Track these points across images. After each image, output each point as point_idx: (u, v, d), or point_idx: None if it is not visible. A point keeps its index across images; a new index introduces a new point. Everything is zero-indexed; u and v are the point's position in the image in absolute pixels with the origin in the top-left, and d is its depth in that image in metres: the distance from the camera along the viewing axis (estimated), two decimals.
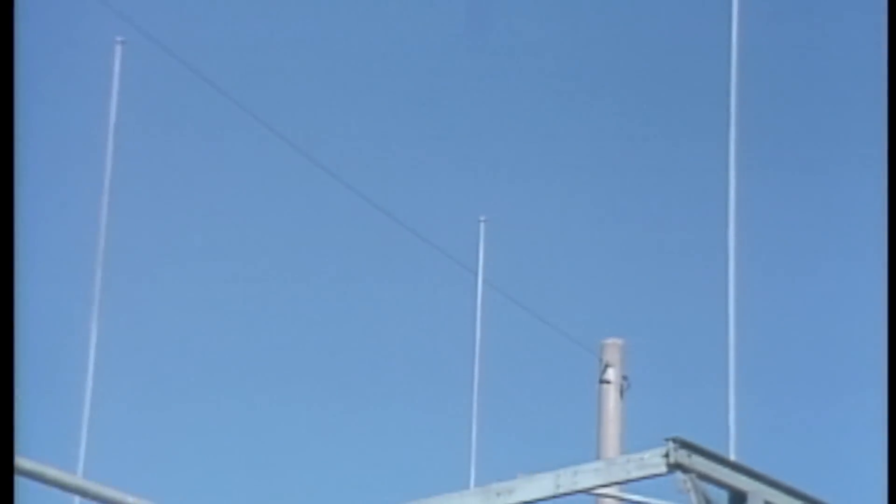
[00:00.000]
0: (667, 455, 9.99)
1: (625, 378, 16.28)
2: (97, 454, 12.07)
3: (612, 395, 16.28)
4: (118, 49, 12.54)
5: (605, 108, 29.01)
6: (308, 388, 23.38)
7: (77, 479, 10.78)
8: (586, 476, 10.66)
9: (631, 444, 15.25)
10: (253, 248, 23.07)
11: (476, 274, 14.13)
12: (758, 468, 10.53)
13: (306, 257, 23.68)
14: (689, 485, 10.04)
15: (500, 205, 25.47)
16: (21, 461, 10.05)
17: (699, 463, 10.06)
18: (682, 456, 9.97)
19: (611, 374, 16.31)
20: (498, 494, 10.85)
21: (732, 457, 10.77)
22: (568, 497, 10.78)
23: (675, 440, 9.97)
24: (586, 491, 10.73)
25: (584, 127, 28.70)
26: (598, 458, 14.71)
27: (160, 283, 20.37)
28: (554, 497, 10.64)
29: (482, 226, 14.39)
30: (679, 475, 10.02)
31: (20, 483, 10.68)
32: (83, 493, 10.71)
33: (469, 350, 14.02)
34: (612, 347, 16.38)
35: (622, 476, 10.63)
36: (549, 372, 18.25)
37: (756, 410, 13.32)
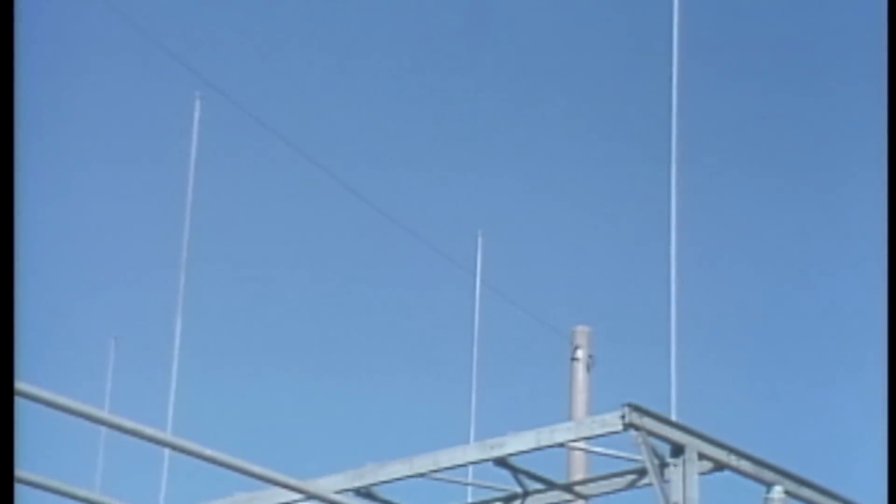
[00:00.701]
0: (623, 417, 10.86)
1: (590, 357, 17.17)
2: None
3: (580, 370, 17.19)
4: (197, 103, 13.21)
5: (560, 110, 29.50)
6: (338, 363, 25.26)
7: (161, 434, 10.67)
8: (560, 433, 11.63)
9: (595, 408, 16.21)
10: (300, 261, 25.24)
11: (475, 276, 14.85)
12: (696, 426, 11.28)
13: (335, 265, 25.61)
14: (640, 440, 10.91)
15: (498, 214, 26.75)
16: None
17: (648, 423, 10.88)
18: (634, 417, 10.84)
19: (580, 353, 17.19)
20: (492, 447, 11.69)
21: (674, 417, 11.40)
22: (547, 449, 11.71)
23: (629, 405, 10.79)
24: (560, 444, 11.72)
25: (547, 131, 29.43)
26: (570, 419, 15.28)
27: (227, 284, 21.98)
28: (536, 449, 11.52)
29: (480, 240, 15.23)
30: (632, 432, 10.90)
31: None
32: (171, 446, 10.75)
33: (469, 337, 14.80)
34: (581, 333, 17.23)
35: (588, 433, 11.61)
36: (531, 353, 19.22)
37: (699, 379, 13.79)
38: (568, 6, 30.46)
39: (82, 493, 10.60)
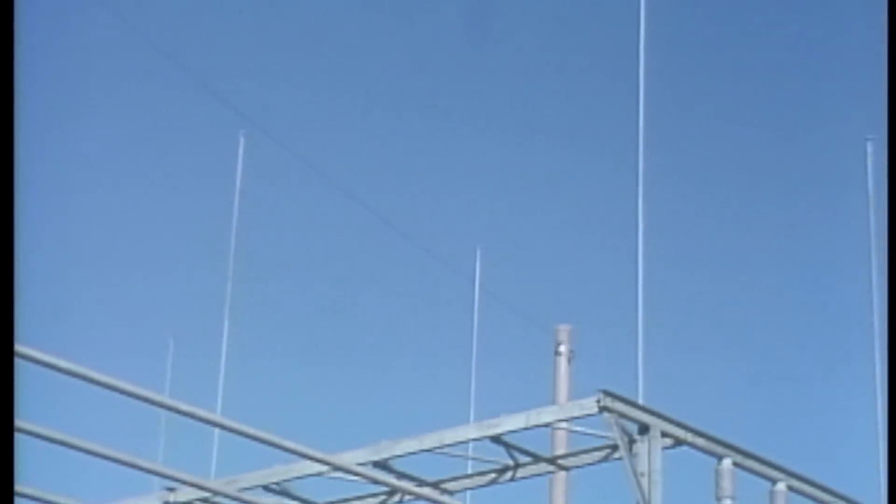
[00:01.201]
0: (598, 401, 11.37)
1: (571, 351, 17.78)
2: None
3: (562, 362, 17.81)
4: (241, 141, 13.70)
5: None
6: (360, 358, 26.80)
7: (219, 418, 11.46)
8: (546, 415, 12.20)
9: (575, 394, 16.28)
10: (326, 270, 26.74)
11: (474, 284, 15.39)
12: (661, 409, 11.69)
13: (357, 275, 26.96)
14: (612, 420, 11.42)
15: (491, 228, 27.87)
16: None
17: (619, 406, 11.38)
18: (607, 402, 11.34)
19: (562, 348, 17.83)
20: (488, 427, 12.19)
21: (641, 401, 11.88)
22: (535, 428, 12.15)
23: (603, 391, 11.34)
24: (546, 425, 12.27)
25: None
26: (553, 403, 15.87)
27: (266, 292, 22.88)
28: (525, 428, 12.04)
29: (478, 253, 15.75)
30: (606, 414, 11.39)
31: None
32: (220, 426, 11.76)
33: (469, 335, 15.34)
34: (563, 331, 17.90)
35: (569, 415, 12.10)
36: (521, 348, 19.86)
37: (665, 368, 14.25)
38: (542, 31, 30.62)
39: (147, 465, 11.10)
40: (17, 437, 8.20)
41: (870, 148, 14.01)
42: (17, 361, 8.74)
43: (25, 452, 9.89)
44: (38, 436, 9.85)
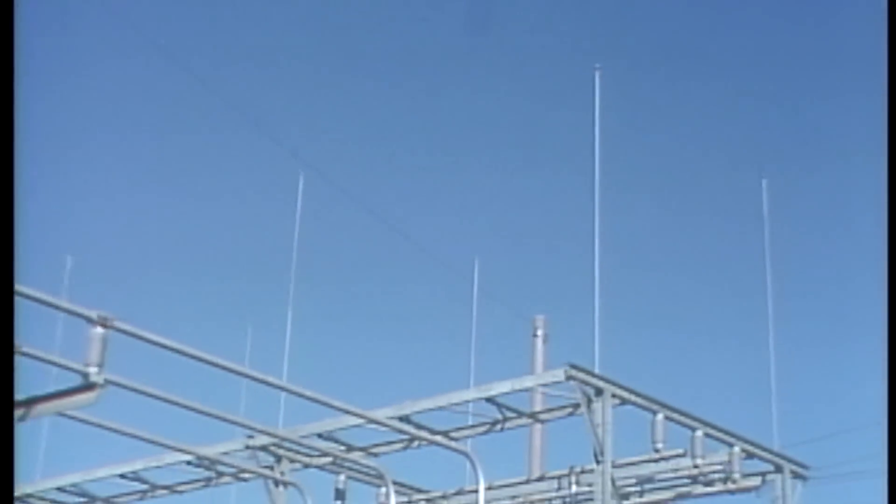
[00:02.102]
0: (566, 372, 12.26)
1: (546, 334, 18.56)
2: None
3: (539, 343, 18.66)
4: (301, 178, 14.69)
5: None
6: (391, 339, 30.25)
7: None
8: (527, 381, 13.13)
9: (549, 366, 16.73)
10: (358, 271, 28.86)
11: (472, 285, 16.04)
12: (612, 377, 12.42)
13: (385, 280, 29.80)
14: (576, 386, 12.28)
15: (486, 235, 30.54)
16: None
17: (580, 375, 12.31)
18: (572, 372, 12.23)
19: (539, 332, 18.67)
20: (484, 391, 13.02)
21: (597, 371, 12.60)
22: (519, 392, 12.84)
23: (570, 364, 12.30)
24: (528, 389, 13.14)
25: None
26: (533, 373, 16.28)
27: (320, 293, 25.19)
28: (511, 392, 12.83)
29: (476, 262, 16.38)
30: (571, 381, 12.25)
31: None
32: (286, 390, 12.40)
33: (470, 323, 16.00)
34: (539, 319, 18.75)
35: (545, 381, 12.95)
36: (508, 332, 20.36)
37: (618, 346, 14.51)
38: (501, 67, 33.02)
39: (234, 418, 11.93)
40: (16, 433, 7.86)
41: (764, 184, 14.81)
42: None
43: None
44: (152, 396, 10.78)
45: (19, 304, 8.39)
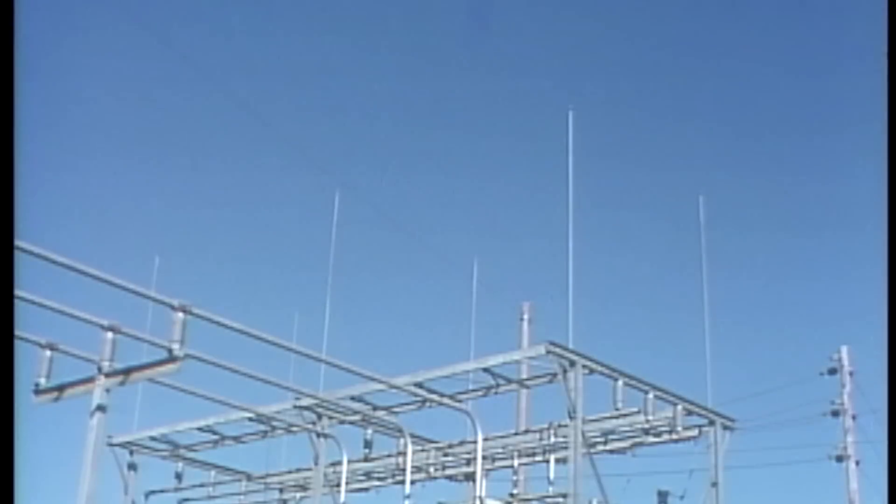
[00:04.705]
0: (546, 348, 12.40)
1: (530, 318, 18.52)
2: None
3: (525, 325, 18.66)
4: (336, 197, 15.06)
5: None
6: (408, 324, 32.40)
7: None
8: (515, 355, 13.32)
9: (533, 342, 15.82)
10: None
11: (472, 279, 16.24)
12: (584, 351, 12.37)
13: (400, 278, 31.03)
14: (554, 359, 12.34)
15: (482, 237, 29.34)
16: None
17: (557, 350, 12.42)
18: (552, 348, 12.42)
19: (525, 316, 18.58)
20: (482, 363, 13.08)
21: (570, 347, 12.52)
22: (510, 364, 12.97)
23: (549, 342, 12.47)
24: (516, 361, 13.41)
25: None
26: (519, 348, 15.91)
27: (351, 290, 25.02)
28: (503, 363, 13.01)
29: (476, 262, 16.46)
30: (551, 355, 12.35)
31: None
32: (325, 362, 12.77)
33: (470, 310, 16.03)
34: (526, 306, 18.68)
35: (529, 355, 13.06)
36: (501, 316, 20.12)
37: (589, 326, 14.47)
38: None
39: (285, 383, 12.41)
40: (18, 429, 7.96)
41: (701, 199, 14.80)
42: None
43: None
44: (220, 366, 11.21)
45: (118, 296, 9.16)
